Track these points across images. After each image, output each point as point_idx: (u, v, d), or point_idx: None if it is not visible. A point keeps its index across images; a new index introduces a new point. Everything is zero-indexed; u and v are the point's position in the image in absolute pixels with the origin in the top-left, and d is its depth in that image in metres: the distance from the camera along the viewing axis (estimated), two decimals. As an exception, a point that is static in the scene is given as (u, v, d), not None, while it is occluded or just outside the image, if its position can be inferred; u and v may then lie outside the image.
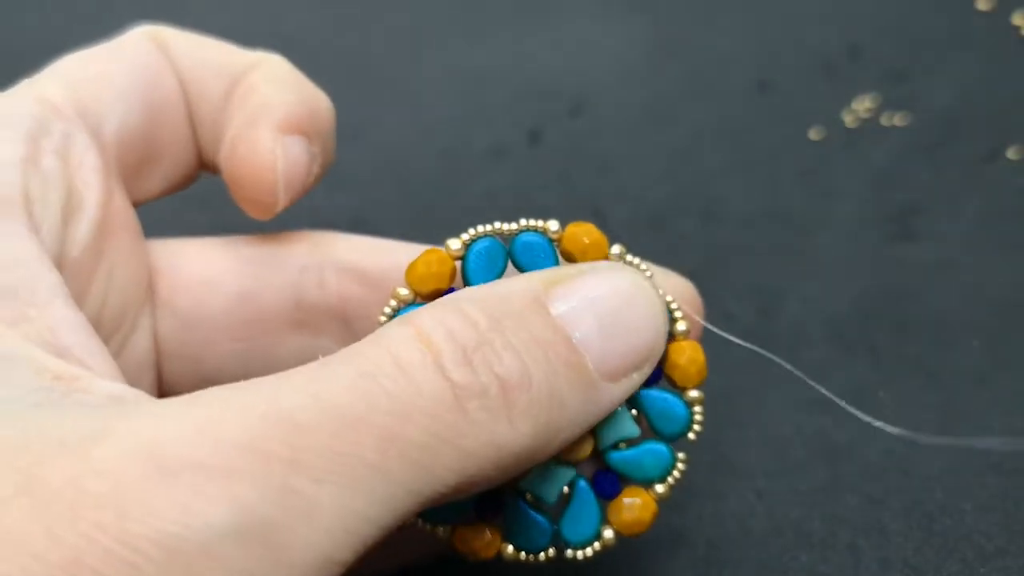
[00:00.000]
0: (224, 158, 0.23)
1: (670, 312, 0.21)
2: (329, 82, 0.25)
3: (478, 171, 0.37)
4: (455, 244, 0.21)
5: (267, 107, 0.23)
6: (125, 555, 0.14)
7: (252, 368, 0.24)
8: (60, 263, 0.20)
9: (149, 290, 0.24)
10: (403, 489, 0.16)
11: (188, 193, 0.26)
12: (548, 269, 0.20)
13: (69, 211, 0.21)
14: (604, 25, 0.43)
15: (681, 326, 0.21)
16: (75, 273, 0.21)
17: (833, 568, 0.25)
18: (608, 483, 0.21)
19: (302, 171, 0.23)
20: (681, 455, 0.21)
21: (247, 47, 0.25)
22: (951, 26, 0.41)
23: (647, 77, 0.40)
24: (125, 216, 0.23)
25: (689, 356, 0.21)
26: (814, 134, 0.37)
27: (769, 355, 0.22)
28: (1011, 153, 0.36)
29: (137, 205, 0.24)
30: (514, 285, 0.19)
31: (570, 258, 0.21)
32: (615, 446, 0.20)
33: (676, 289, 0.23)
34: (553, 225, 0.21)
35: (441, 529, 0.20)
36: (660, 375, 0.21)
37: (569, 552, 0.20)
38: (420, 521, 0.20)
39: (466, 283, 0.21)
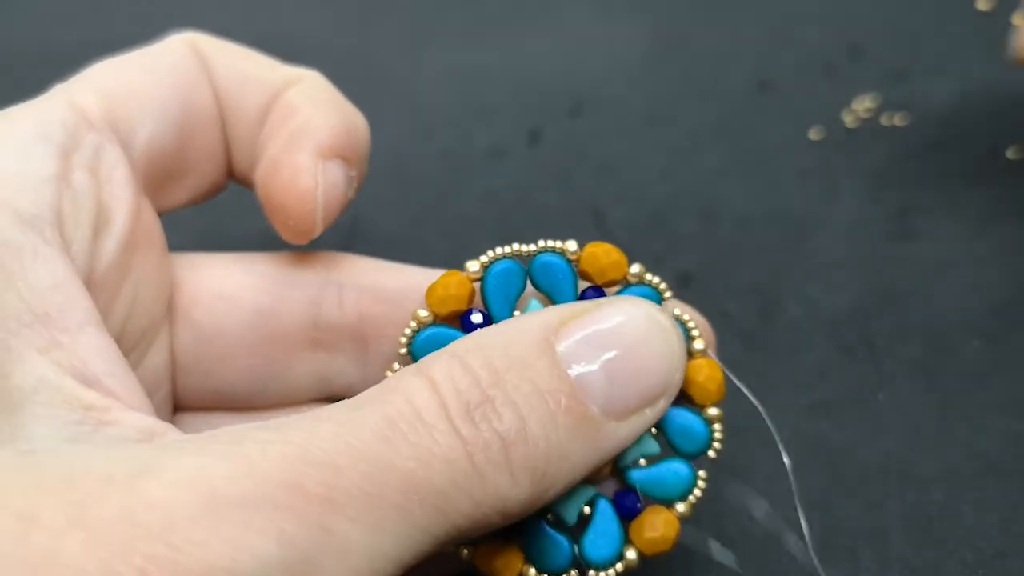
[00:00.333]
0: (262, 180, 0.23)
1: (687, 331, 0.21)
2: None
3: (478, 171, 0.37)
4: (474, 266, 0.21)
5: (308, 130, 0.23)
6: None
7: (266, 385, 0.24)
8: (88, 279, 0.20)
9: (168, 304, 0.24)
10: (421, 530, 0.17)
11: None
12: (562, 306, 0.20)
13: (98, 226, 0.21)
14: (604, 25, 0.43)
15: (699, 344, 0.21)
16: (102, 288, 0.21)
17: (833, 570, 0.25)
18: (629, 502, 0.21)
19: (340, 195, 0.23)
20: (702, 472, 0.21)
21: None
22: (951, 26, 0.41)
23: (647, 77, 0.40)
24: (152, 229, 0.23)
25: (707, 374, 0.21)
26: (814, 134, 0.37)
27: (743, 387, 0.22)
28: (1011, 153, 0.36)
29: (162, 214, 0.24)
30: (525, 324, 0.19)
31: (588, 279, 0.21)
32: (635, 463, 0.20)
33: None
34: (572, 245, 0.21)
35: (464, 550, 0.20)
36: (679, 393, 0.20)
37: (591, 573, 0.20)
38: None
39: (485, 305, 0.21)
